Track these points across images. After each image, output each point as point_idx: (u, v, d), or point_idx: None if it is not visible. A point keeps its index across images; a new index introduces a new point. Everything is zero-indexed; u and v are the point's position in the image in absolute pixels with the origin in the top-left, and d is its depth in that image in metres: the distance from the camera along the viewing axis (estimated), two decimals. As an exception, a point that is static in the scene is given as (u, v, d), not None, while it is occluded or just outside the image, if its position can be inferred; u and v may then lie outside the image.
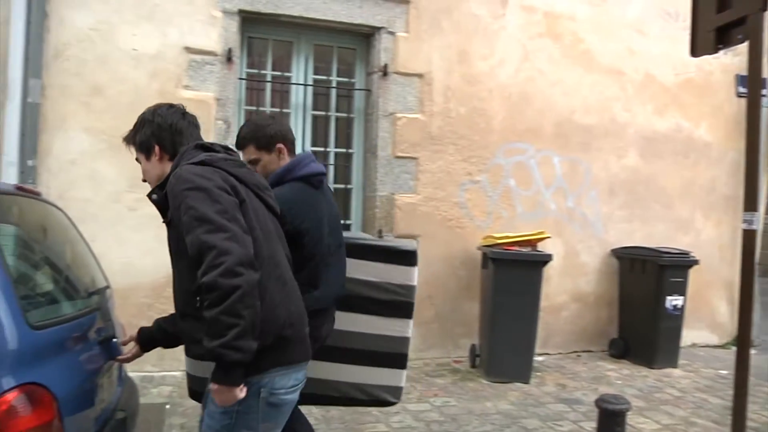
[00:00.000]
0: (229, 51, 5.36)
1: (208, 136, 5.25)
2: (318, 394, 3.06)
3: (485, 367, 5.53)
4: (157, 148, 2.17)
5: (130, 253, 5.07)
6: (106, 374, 2.48)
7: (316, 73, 5.96)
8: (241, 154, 2.74)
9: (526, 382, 5.40)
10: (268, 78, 5.83)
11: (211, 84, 5.33)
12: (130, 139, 2.24)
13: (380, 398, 3.33)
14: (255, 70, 5.78)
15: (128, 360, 2.50)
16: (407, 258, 3.27)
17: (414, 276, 3.29)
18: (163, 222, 2.10)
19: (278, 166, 2.72)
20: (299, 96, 5.88)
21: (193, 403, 4.45)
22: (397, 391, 3.38)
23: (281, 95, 5.87)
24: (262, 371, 1.92)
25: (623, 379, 5.71)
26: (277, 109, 5.83)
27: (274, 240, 2.10)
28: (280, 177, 2.66)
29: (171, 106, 2.25)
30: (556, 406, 4.85)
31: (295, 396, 2.07)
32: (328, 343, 2.85)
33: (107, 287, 2.89)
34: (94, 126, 5.01)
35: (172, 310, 5.37)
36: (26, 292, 2.09)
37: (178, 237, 1.93)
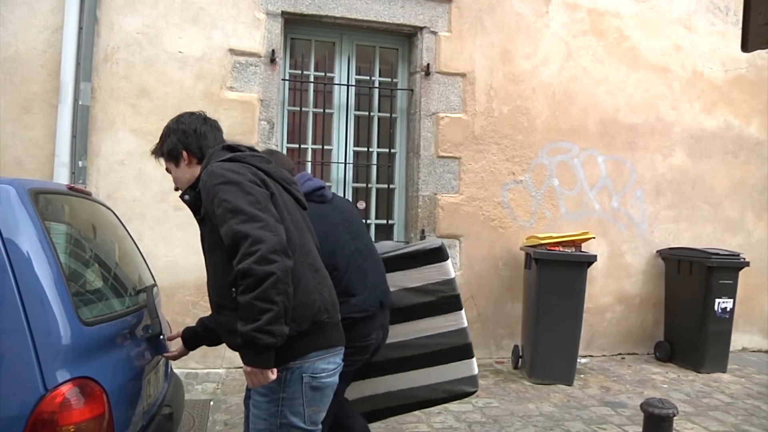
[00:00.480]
0: (273, 52, 5.43)
1: (252, 136, 5.34)
2: (399, 405, 3.19)
3: (528, 368, 5.48)
4: (185, 153, 2.25)
5: (175, 251, 5.17)
6: (153, 370, 2.53)
7: (358, 74, 5.98)
8: None
9: (570, 384, 5.33)
10: (311, 78, 5.87)
11: (254, 85, 5.40)
12: (158, 151, 2.33)
13: (460, 392, 3.39)
14: (298, 71, 5.83)
15: (174, 357, 2.60)
16: (437, 255, 3.33)
17: (449, 269, 3.35)
18: (196, 220, 2.18)
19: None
20: (342, 96, 5.91)
21: (237, 399, 4.54)
22: (473, 380, 3.40)
23: (324, 95, 5.91)
24: (302, 356, 1.99)
25: (669, 383, 5.58)
26: (320, 110, 5.87)
27: (304, 230, 2.17)
28: None
29: (192, 113, 2.34)
30: (600, 409, 4.77)
31: (335, 379, 2.12)
32: (395, 355, 2.93)
33: (154, 285, 2.95)
34: (141, 127, 5.13)
35: (216, 308, 5.43)
36: (77, 289, 2.14)
37: (212, 231, 2.02)
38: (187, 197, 2.18)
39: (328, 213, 2.77)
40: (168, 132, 2.30)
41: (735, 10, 6.69)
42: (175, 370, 3.24)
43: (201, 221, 2.15)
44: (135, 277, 2.87)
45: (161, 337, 2.61)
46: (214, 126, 2.33)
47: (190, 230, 5.21)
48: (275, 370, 1.90)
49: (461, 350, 3.37)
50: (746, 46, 3.41)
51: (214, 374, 5.15)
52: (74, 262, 2.37)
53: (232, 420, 4.22)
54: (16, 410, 1.72)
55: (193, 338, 2.55)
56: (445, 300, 3.31)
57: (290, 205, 2.14)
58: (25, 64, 4.91)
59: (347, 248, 2.73)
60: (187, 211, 5.51)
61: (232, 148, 2.21)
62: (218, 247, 2.00)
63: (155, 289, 2.93)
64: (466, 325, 3.41)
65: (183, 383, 3.33)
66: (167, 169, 2.32)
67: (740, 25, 3.38)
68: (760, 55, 5.97)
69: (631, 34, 6.51)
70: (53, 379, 1.77)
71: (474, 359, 3.40)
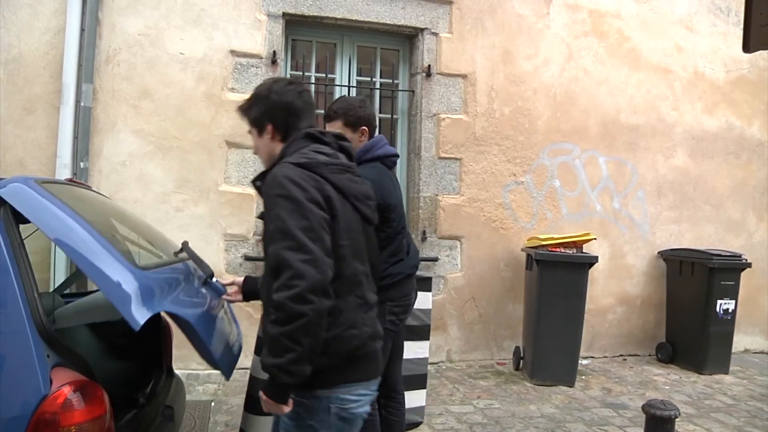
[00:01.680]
0: (274, 53, 5.43)
1: (253, 137, 5.33)
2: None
3: (529, 369, 5.48)
4: (269, 127, 2.09)
5: (177, 253, 5.16)
6: (222, 309, 2.63)
7: (359, 75, 5.99)
8: (327, 125, 2.96)
9: (571, 386, 5.32)
10: (312, 80, 5.87)
11: (256, 86, 5.39)
12: (245, 111, 2.17)
13: (412, 421, 3.44)
14: (299, 72, 5.83)
15: (233, 301, 2.61)
16: (427, 284, 3.44)
17: (430, 300, 3.57)
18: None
19: (356, 146, 2.88)
20: (342, 97, 5.91)
21: (237, 401, 4.54)
22: (421, 411, 3.48)
23: (325, 97, 5.91)
24: (331, 386, 1.90)
25: (671, 384, 5.58)
26: (322, 111, 5.86)
27: (363, 255, 2.02)
28: (357, 157, 2.73)
29: (290, 82, 2.14)
30: (602, 410, 4.77)
31: (366, 408, 2.02)
32: None
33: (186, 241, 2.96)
34: (142, 128, 5.14)
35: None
36: (123, 248, 2.25)
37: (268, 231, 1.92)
38: (258, 184, 2.04)
39: (395, 180, 3.04)
40: (257, 99, 2.12)
41: (736, 11, 6.68)
42: (176, 371, 3.24)
43: (262, 216, 2.01)
44: (165, 243, 2.92)
45: (214, 279, 2.62)
46: (308, 101, 2.13)
47: (192, 231, 5.23)
48: (291, 402, 1.85)
49: (420, 379, 3.45)
50: (747, 47, 3.40)
51: (216, 375, 5.15)
52: (108, 232, 2.43)
53: (233, 421, 4.23)
54: (18, 411, 1.73)
55: (252, 292, 2.50)
56: (421, 327, 3.49)
57: (353, 228, 1.97)
58: (28, 65, 4.92)
59: (401, 210, 3.00)
60: (189, 213, 5.52)
61: (315, 137, 2.06)
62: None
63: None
64: (428, 355, 3.50)
65: (184, 384, 3.34)
66: (249, 131, 2.19)
67: (741, 26, 3.37)
68: (761, 55, 5.97)
69: (632, 34, 6.51)
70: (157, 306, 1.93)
71: (425, 391, 3.46)
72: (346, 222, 1.93)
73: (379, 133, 6.04)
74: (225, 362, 2.59)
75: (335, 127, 2.91)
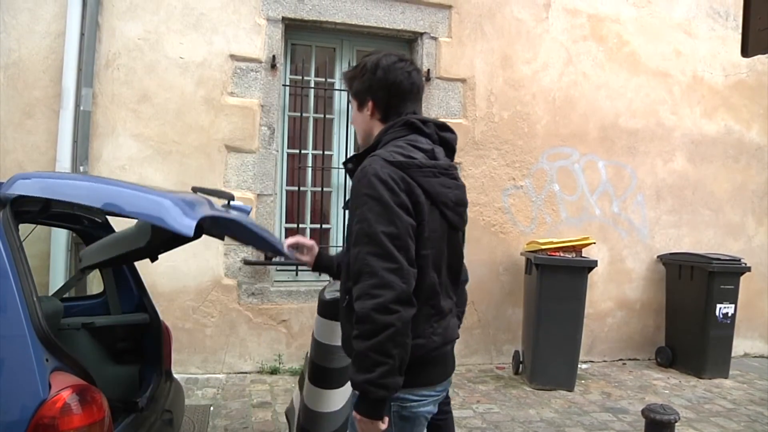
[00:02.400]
0: (273, 58, 5.44)
1: (253, 142, 5.35)
2: None
3: (529, 373, 5.47)
4: (370, 103, 1.99)
5: (176, 256, 5.14)
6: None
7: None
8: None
9: (571, 390, 5.32)
10: (312, 84, 5.88)
11: (255, 90, 5.41)
12: (349, 80, 2.06)
13: None
14: (298, 77, 5.84)
15: (302, 263, 2.43)
16: None
17: None
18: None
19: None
20: (342, 102, 5.92)
21: (236, 405, 4.54)
22: None
23: (324, 101, 5.92)
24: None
25: (671, 388, 5.57)
26: (321, 115, 5.88)
27: (440, 266, 1.90)
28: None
29: (401, 60, 1.99)
30: (601, 415, 4.77)
31: (430, 408, 1.94)
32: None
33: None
34: (142, 132, 5.14)
35: (216, 313, 5.46)
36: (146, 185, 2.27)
37: (350, 228, 1.85)
38: (350, 166, 1.98)
39: None
40: (363, 71, 1.99)
41: (735, 15, 6.70)
42: (175, 376, 3.24)
43: (347, 206, 1.92)
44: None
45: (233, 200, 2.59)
46: (415, 84, 2.00)
47: (191, 235, 5.23)
48: (387, 419, 1.77)
49: None
50: (746, 51, 3.40)
51: (215, 379, 5.15)
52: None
53: (232, 425, 4.22)
54: (17, 415, 1.73)
55: (324, 264, 2.42)
56: None
57: (437, 236, 1.86)
58: (28, 69, 4.93)
59: None
60: (188, 217, 5.43)
61: (416, 127, 1.95)
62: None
63: None
64: None
65: (183, 388, 3.33)
66: (349, 100, 2.10)
67: (740, 30, 3.38)
68: (760, 60, 5.99)
69: (631, 39, 6.52)
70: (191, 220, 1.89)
71: None
72: (430, 230, 1.84)
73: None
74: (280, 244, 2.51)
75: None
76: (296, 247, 2.38)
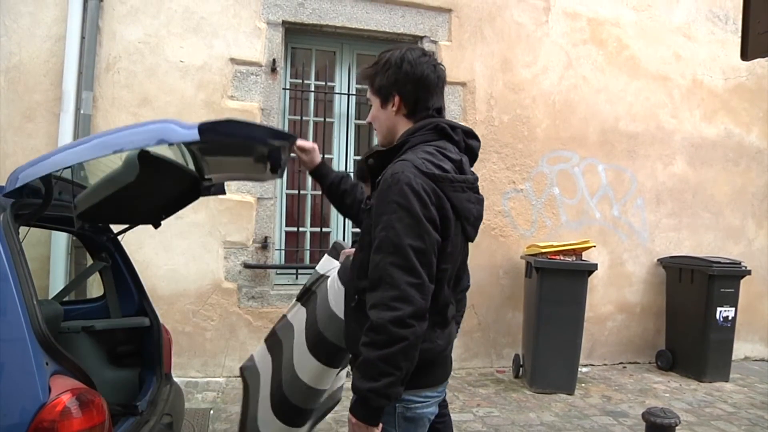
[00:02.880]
0: (273, 61, 5.44)
1: (253, 145, 5.33)
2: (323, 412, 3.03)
3: (529, 377, 5.47)
4: (397, 98, 1.94)
5: (176, 260, 5.17)
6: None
7: (359, 83, 6.00)
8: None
9: (571, 394, 5.31)
10: (312, 88, 5.89)
11: (255, 94, 5.42)
12: (368, 76, 2.02)
13: (336, 400, 3.21)
14: (298, 80, 5.85)
15: (302, 148, 2.48)
16: None
17: None
18: (366, 198, 2.02)
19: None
20: (342, 105, 5.93)
21: (236, 408, 4.52)
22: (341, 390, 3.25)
23: (324, 105, 5.92)
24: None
25: (671, 392, 5.57)
26: (321, 119, 5.88)
27: (452, 280, 1.93)
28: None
29: (424, 53, 1.98)
30: (602, 418, 4.76)
31: (432, 409, 1.95)
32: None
33: None
34: (142, 136, 5.13)
35: (216, 317, 5.44)
36: None
37: (368, 231, 1.82)
38: (371, 162, 1.94)
39: None
40: (387, 65, 1.94)
41: (734, 19, 6.71)
42: (175, 379, 3.23)
43: (366, 208, 1.90)
44: None
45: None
46: (441, 78, 1.98)
47: (191, 239, 5.24)
48: (381, 426, 1.78)
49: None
50: (746, 55, 3.41)
51: (214, 383, 5.14)
52: None
53: (231, 429, 4.21)
54: (16, 418, 1.73)
55: (322, 173, 2.49)
56: None
57: (457, 251, 1.87)
58: (28, 73, 4.93)
59: None
60: (188, 220, 5.50)
61: (445, 133, 1.91)
62: (368, 248, 1.80)
63: None
64: None
65: (183, 392, 3.33)
66: (368, 99, 2.04)
67: (739, 34, 3.38)
68: (759, 63, 5.99)
69: (630, 42, 6.53)
70: None
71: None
72: (453, 246, 1.82)
73: (379, 140, 6.07)
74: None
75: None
76: (298, 147, 2.45)
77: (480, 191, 1.98)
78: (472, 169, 2.01)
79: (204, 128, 1.83)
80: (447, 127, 1.91)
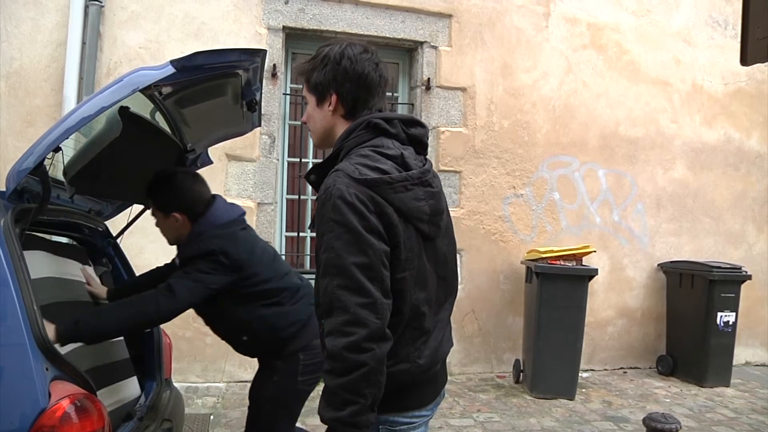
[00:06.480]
0: (274, 67, 5.45)
1: (253, 150, 5.35)
2: None
3: (529, 382, 5.46)
4: (334, 97, 1.76)
5: (176, 265, 5.16)
6: None
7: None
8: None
9: (572, 399, 5.30)
10: (311, 93, 5.88)
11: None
12: (304, 72, 1.83)
13: None
14: (299, 86, 5.84)
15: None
16: None
17: None
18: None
19: (174, 233, 2.77)
20: (342, 110, 5.92)
21: (236, 414, 4.52)
22: None
23: (324, 110, 5.91)
24: (381, 413, 1.67)
25: (672, 397, 5.56)
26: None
27: (423, 282, 1.73)
28: (200, 234, 2.66)
29: (366, 50, 1.78)
30: (602, 424, 4.75)
31: (422, 429, 1.83)
32: None
33: None
34: (143, 141, 5.14)
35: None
36: None
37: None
38: (313, 178, 1.78)
39: (248, 238, 2.86)
40: (324, 61, 1.76)
41: (734, 24, 6.73)
42: (175, 384, 3.23)
43: (312, 226, 1.75)
44: None
45: None
46: (382, 77, 1.79)
47: (192, 244, 5.23)
48: None
49: None
50: (745, 60, 3.41)
51: (215, 388, 5.14)
52: None
53: (232, 434, 4.21)
54: (16, 424, 1.73)
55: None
56: None
57: (414, 255, 1.68)
58: (29, 78, 4.94)
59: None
60: (189, 225, 5.41)
61: (380, 128, 1.73)
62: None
63: None
64: None
65: (183, 397, 3.32)
66: (303, 96, 1.86)
67: (739, 39, 3.39)
68: (759, 68, 6.00)
69: (630, 47, 6.54)
70: None
71: None
72: (407, 250, 1.66)
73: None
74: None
75: (151, 208, 2.83)
76: None
77: (436, 181, 1.81)
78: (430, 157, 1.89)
79: (177, 64, 1.86)
80: (381, 121, 1.73)
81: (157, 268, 3.11)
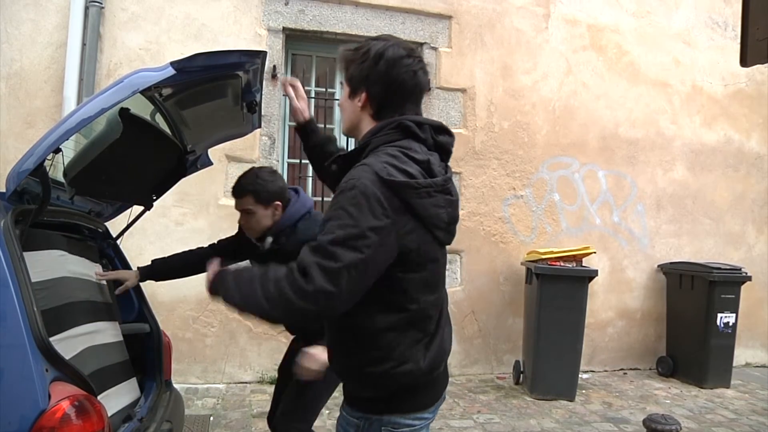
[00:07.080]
0: (274, 68, 5.45)
1: (254, 151, 5.35)
2: None
3: (529, 383, 5.46)
4: (364, 95, 1.74)
5: (176, 266, 5.16)
6: None
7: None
8: (236, 201, 2.90)
9: (571, 400, 5.30)
10: (312, 94, 5.89)
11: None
12: (346, 60, 1.80)
13: None
14: (298, 87, 5.85)
15: (295, 87, 2.40)
16: None
17: None
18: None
19: (271, 222, 2.83)
20: (342, 112, 5.93)
21: (236, 415, 4.53)
22: None
23: (325, 111, 5.93)
24: (381, 414, 1.71)
25: (672, 398, 5.55)
26: (321, 125, 5.88)
27: (435, 286, 1.75)
28: (292, 220, 2.81)
29: (409, 55, 1.74)
30: (602, 425, 4.75)
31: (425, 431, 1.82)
32: None
33: None
34: (143, 142, 5.14)
35: (216, 322, 5.42)
36: None
37: None
38: (334, 167, 1.80)
39: None
40: (365, 57, 1.73)
41: (733, 26, 6.73)
42: (175, 386, 3.23)
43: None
44: None
45: None
46: (418, 85, 1.75)
47: (192, 244, 5.18)
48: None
49: None
50: (745, 61, 3.41)
51: (214, 389, 5.14)
52: None
53: (232, 436, 4.21)
54: (16, 425, 1.72)
55: (308, 131, 2.39)
56: None
57: (429, 259, 1.69)
58: (30, 79, 4.95)
59: None
60: (188, 227, 5.49)
61: (410, 131, 1.71)
62: None
63: None
64: None
65: (183, 398, 3.32)
66: (341, 82, 1.84)
67: (739, 40, 3.39)
68: (759, 69, 6.01)
69: (630, 49, 6.54)
70: None
71: None
72: (423, 254, 1.66)
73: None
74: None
75: (246, 204, 2.85)
76: (294, 88, 2.33)
77: (455, 189, 1.83)
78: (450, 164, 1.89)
79: (177, 65, 1.86)
80: (412, 124, 1.71)
81: (190, 250, 3.29)
